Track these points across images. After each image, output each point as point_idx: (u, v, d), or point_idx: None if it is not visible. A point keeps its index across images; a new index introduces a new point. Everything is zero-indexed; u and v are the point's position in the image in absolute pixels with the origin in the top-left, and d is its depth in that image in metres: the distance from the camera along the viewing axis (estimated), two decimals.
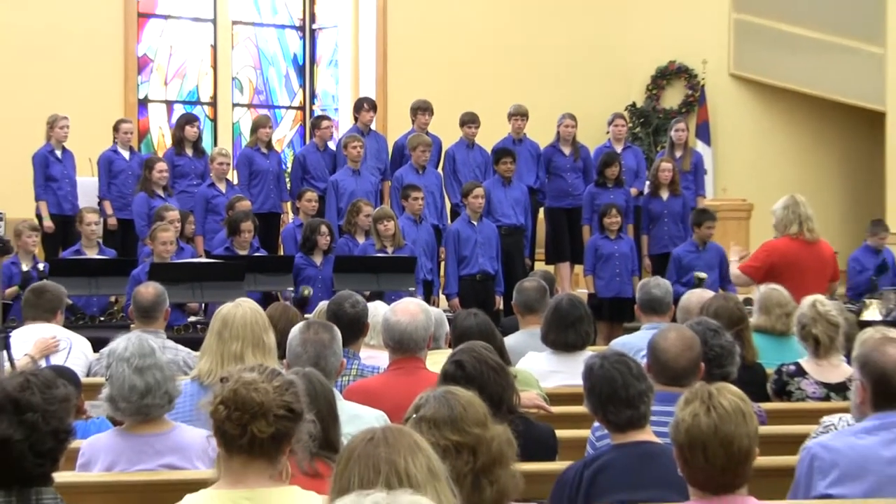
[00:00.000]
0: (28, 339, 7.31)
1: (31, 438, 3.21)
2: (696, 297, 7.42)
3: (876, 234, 13.28)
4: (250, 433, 3.45)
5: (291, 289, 10.82)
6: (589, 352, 6.28)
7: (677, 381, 4.88)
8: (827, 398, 6.24)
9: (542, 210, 13.70)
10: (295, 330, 5.28)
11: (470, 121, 13.28)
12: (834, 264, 9.09)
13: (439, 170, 13.26)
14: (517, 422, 4.25)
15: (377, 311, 6.66)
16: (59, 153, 12.48)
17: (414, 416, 3.52)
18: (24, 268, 10.52)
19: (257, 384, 3.49)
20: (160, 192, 11.96)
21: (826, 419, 4.91)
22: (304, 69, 17.52)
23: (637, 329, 8.06)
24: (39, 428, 3.23)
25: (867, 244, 13.37)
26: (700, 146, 16.43)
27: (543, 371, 6.56)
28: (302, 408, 3.58)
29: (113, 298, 10.79)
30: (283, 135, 17.18)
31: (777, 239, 8.90)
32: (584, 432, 5.12)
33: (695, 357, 5.03)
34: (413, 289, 10.54)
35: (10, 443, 3.19)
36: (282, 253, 12.40)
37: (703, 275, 11.03)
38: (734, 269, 9.25)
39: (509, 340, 7.00)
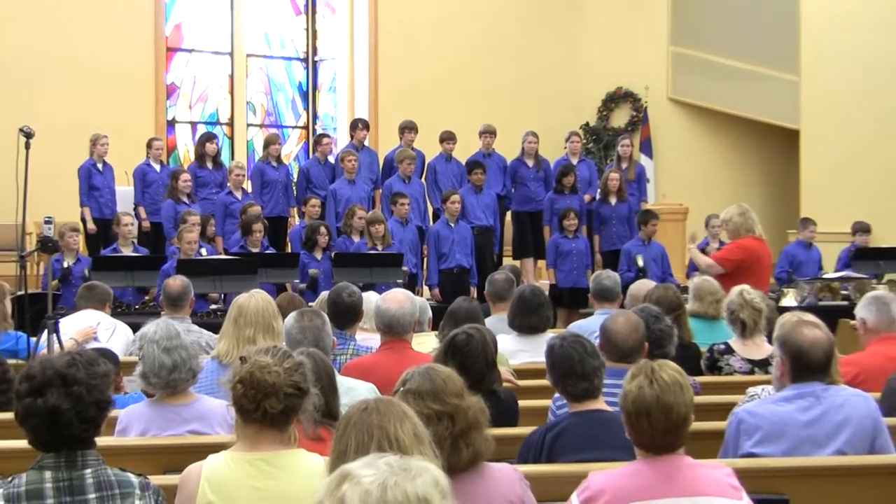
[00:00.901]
0: (79, 323, 7.33)
1: (76, 408, 3.20)
2: (641, 286, 7.43)
3: (806, 228, 13.17)
4: (263, 408, 3.46)
5: (297, 280, 10.79)
6: (550, 334, 6.28)
7: (625, 359, 4.88)
8: (752, 372, 6.24)
9: (509, 213, 13.69)
10: (290, 319, 5.19)
11: (448, 138, 13.25)
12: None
13: (422, 180, 13.23)
14: (492, 397, 4.26)
15: (370, 299, 6.65)
16: (100, 166, 12.42)
17: (401, 388, 3.52)
18: (65, 264, 10.47)
19: (270, 367, 3.48)
20: (185, 199, 11.91)
21: (751, 390, 4.92)
22: (308, 94, 17.48)
23: (591, 314, 8.03)
24: (84, 399, 3.22)
25: (799, 240, 13.23)
26: (643, 159, 16.49)
27: (511, 350, 6.55)
28: (308, 386, 3.57)
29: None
30: (290, 150, 17.11)
31: (746, 238, 8.96)
32: (545, 402, 5.12)
33: (640, 338, 5.03)
34: (401, 281, 10.51)
35: (60, 411, 3.19)
36: (289, 251, 12.37)
37: (640, 260, 11.22)
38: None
39: None
